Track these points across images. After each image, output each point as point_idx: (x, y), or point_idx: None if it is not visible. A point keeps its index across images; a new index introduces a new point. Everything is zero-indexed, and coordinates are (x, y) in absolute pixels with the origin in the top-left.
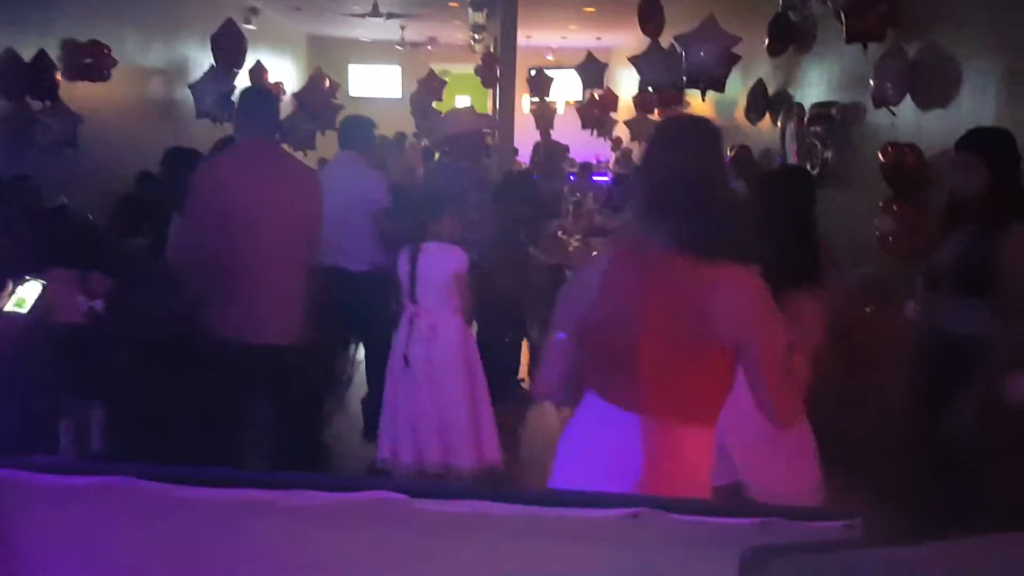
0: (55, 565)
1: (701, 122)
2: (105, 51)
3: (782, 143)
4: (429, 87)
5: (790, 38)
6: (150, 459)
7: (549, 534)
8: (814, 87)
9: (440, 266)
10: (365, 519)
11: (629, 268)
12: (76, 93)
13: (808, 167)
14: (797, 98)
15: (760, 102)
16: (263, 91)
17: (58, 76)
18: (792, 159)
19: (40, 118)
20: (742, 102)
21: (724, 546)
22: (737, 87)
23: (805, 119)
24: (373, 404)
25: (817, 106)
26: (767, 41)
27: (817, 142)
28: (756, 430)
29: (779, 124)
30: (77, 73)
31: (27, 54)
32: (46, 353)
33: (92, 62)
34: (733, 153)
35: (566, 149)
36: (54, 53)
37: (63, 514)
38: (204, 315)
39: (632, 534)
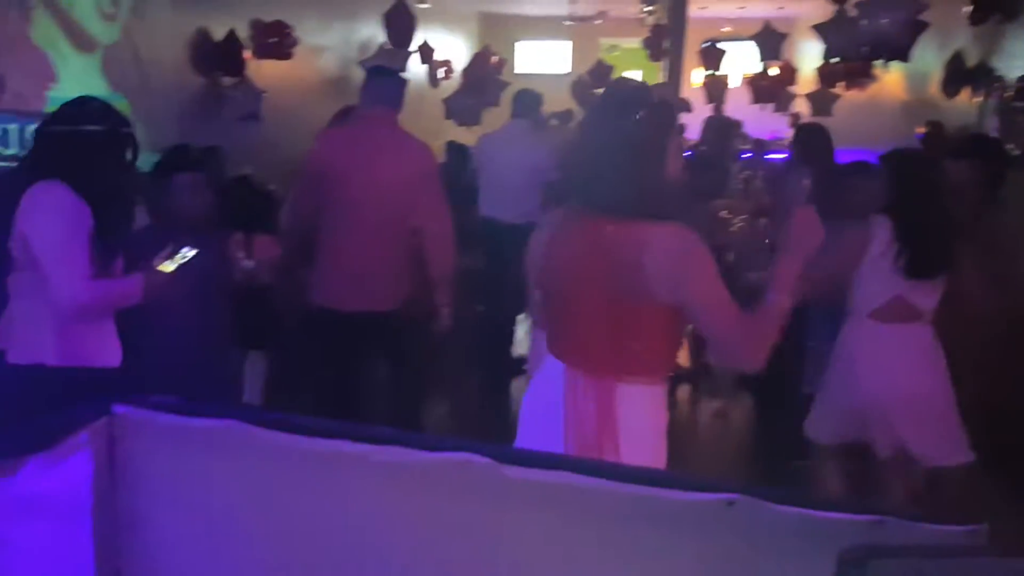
0: (166, 499)
1: (637, 90)
2: (288, 31)
3: (980, 120)
4: (596, 75)
5: (994, 5)
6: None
7: (637, 513)
8: (1020, 59)
9: None
10: (451, 479)
11: (569, 230)
12: (261, 70)
13: (1011, 146)
14: (1000, 71)
15: (958, 75)
16: (387, 70)
17: (246, 54)
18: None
19: (229, 93)
20: (937, 75)
21: (826, 543)
22: (932, 59)
23: (1009, 94)
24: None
25: (1023, 79)
26: (968, 8)
27: (1022, 119)
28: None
29: (978, 99)
30: (263, 51)
31: (218, 33)
32: (216, 306)
33: (277, 41)
34: (925, 130)
35: (738, 125)
36: (243, 33)
37: (176, 452)
38: (298, 281)
39: (725, 522)
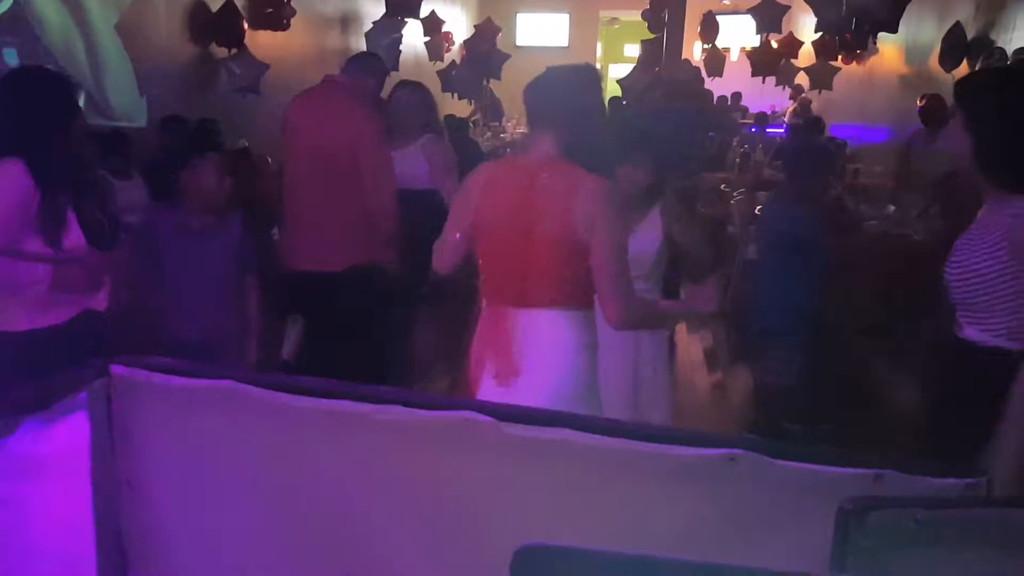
0: (165, 460)
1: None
2: (285, 0)
3: None
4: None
5: None
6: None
7: (639, 469)
8: (1020, 31)
9: None
10: (453, 438)
11: (504, 174)
12: (259, 41)
13: None
14: (999, 43)
15: (957, 48)
16: (370, 53)
17: (244, 25)
18: None
19: (226, 65)
20: (936, 48)
21: (827, 496)
22: (932, 31)
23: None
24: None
25: (1021, 52)
26: None
27: None
28: None
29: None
30: (260, 22)
31: (215, 4)
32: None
33: (273, 11)
34: (923, 103)
35: (736, 98)
36: (240, 2)
37: (174, 413)
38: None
39: (728, 477)
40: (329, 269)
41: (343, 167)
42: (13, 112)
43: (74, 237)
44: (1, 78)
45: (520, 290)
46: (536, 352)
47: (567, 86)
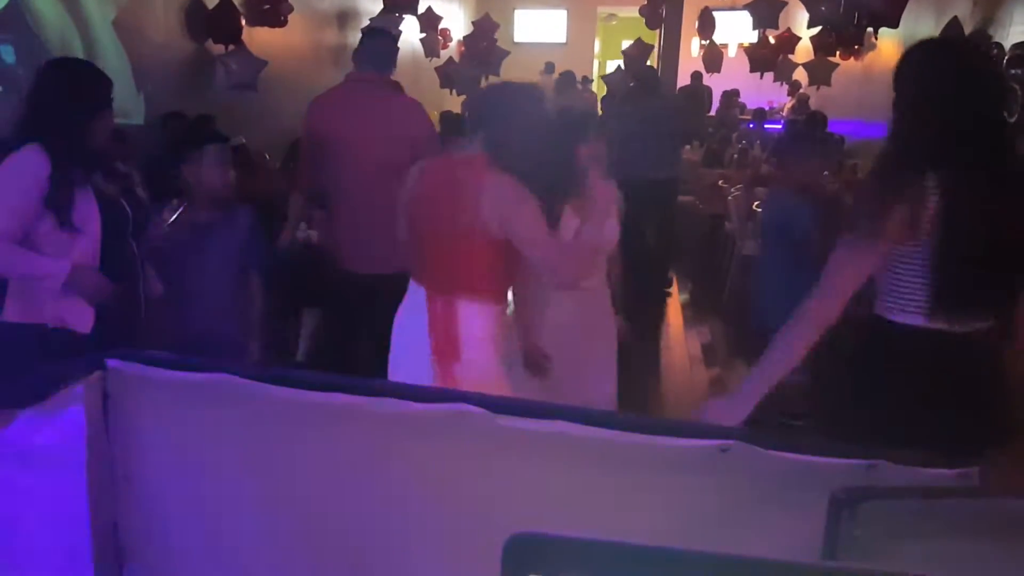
0: (161, 453)
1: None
2: None
3: None
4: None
5: None
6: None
7: (632, 460)
8: (1018, 26)
9: None
10: (447, 430)
11: (432, 171)
12: (256, 38)
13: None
14: (997, 38)
15: None
16: (379, 31)
17: (241, 21)
18: None
19: (224, 61)
20: None
21: (820, 486)
22: (930, 27)
23: (1004, 61)
24: None
25: (1018, 47)
26: None
27: (1016, 86)
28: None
29: None
30: (257, 18)
31: (212, 0)
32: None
33: (270, 8)
34: None
35: (734, 94)
36: None
37: (170, 406)
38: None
39: (720, 467)
40: (387, 271)
41: (397, 166)
42: (48, 97)
43: (86, 216)
44: (41, 65)
45: (433, 277)
46: (447, 339)
47: (498, 99)
